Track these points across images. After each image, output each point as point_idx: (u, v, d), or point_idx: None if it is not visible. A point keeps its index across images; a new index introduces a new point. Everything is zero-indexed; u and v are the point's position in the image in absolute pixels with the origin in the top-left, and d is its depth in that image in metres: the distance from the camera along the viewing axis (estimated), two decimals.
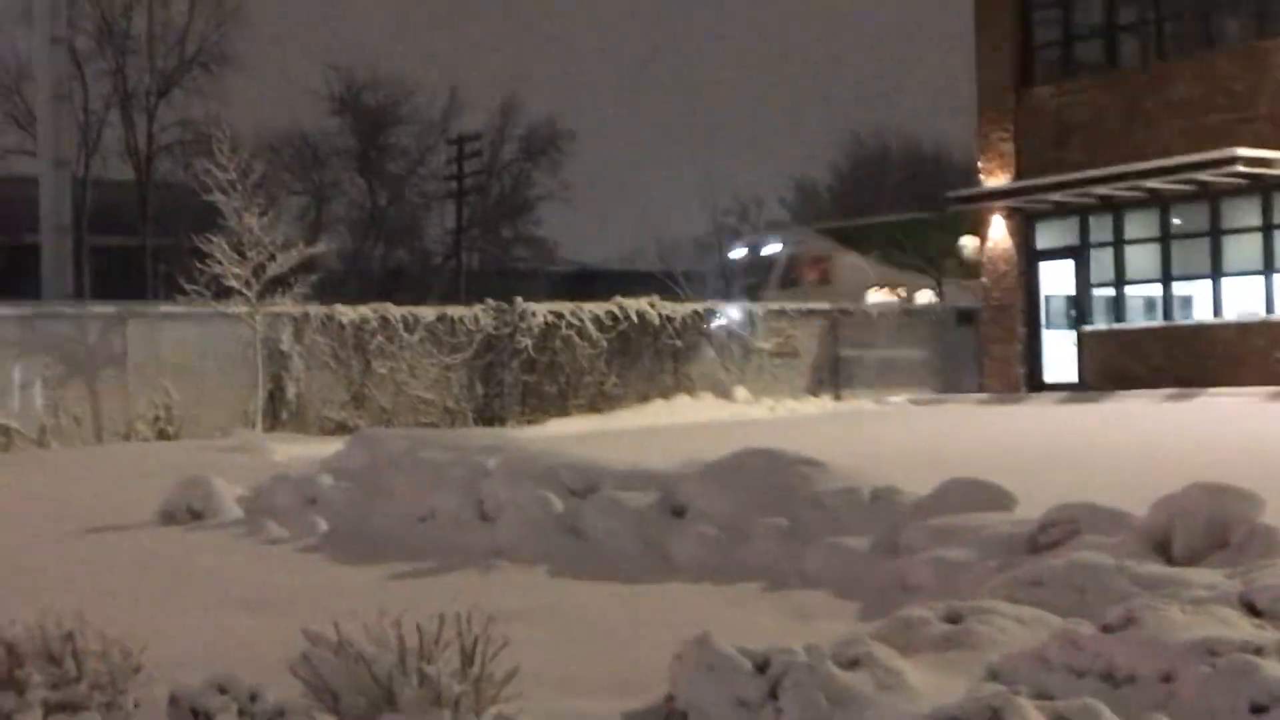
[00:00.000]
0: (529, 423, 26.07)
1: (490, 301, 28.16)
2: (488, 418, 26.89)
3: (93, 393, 23.84)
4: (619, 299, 28.75)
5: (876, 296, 42.33)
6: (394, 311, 27.00)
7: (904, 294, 43.05)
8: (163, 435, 23.83)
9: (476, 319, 27.42)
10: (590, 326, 27.96)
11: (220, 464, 17.23)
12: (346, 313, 26.63)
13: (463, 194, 59.36)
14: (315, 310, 26.23)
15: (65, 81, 35.93)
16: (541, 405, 27.16)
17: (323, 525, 12.51)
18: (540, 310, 27.80)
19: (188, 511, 13.31)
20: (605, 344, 28.06)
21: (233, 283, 24.24)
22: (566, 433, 22.25)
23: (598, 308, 28.38)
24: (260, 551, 11.76)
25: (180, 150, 50.63)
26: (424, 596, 8.43)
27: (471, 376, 27.22)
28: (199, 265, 24.35)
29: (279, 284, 24.80)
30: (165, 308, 26.12)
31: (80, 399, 23.72)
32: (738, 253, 52.40)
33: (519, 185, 62.82)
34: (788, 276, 47.00)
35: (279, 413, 25.34)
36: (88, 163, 48.99)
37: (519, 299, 27.97)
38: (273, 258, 24.48)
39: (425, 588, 9.58)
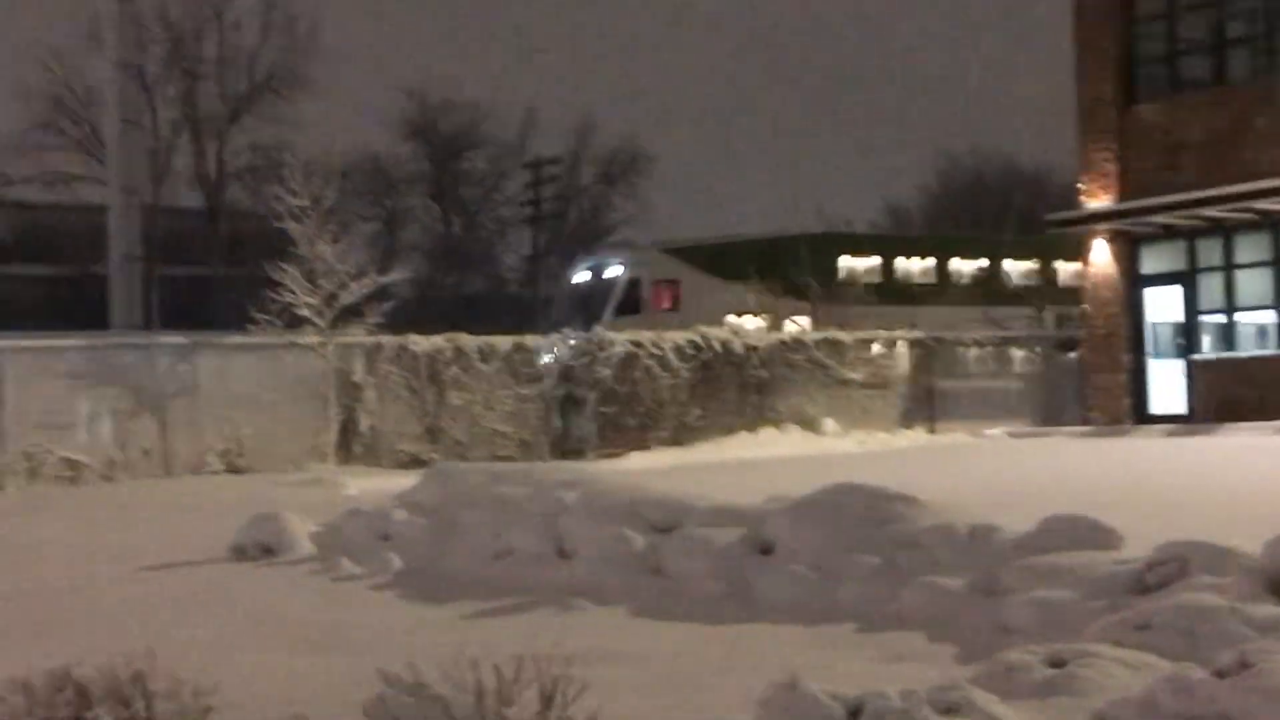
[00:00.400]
0: (608, 456, 25.33)
1: (568, 330, 27.50)
2: (565, 451, 26.19)
3: (162, 425, 23.46)
4: (701, 328, 28.06)
5: (743, 323, 37.95)
6: (469, 341, 26.43)
7: (772, 321, 38.39)
8: (233, 469, 23.36)
9: (554, 350, 26.74)
10: (671, 356, 27.26)
11: (292, 498, 16.91)
12: (420, 343, 26.11)
13: (540, 219, 59.00)
14: (388, 340, 25.78)
15: (134, 107, 35.72)
16: (621, 438, 26.42)
17: (397, 562, 12.15)
18: (620, 339, 27.11)
19: (259, 547, 12.95)
20: (687, 374, 27.35)
21: (304, 312, 23.83)
22: (647, 466, 21.76)
23: (679, 336, 27.74)
24: (333, 589, 11.45)
25: (250, 176, 50.56)
26: (501, 636, 8.19)
27: (548, 408, 26.56)
28: (270, 294, 23.91)
29: (351, 313, 24.36)
30: (236, 338, 25.70)
31: (149, 432, 23.37)
32: (580, 276, 46.82)
33: (598, 209, 62.45)
34: (628, 301, 43.04)
35: (351, 445, 24.88)
36: (157, 190, 48.94)
37: (597, 327, 27.33)
38: (345, 286, 24.06)
39: (502, 627, 9.40)
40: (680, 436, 26.96)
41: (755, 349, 28.17)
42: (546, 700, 5.44)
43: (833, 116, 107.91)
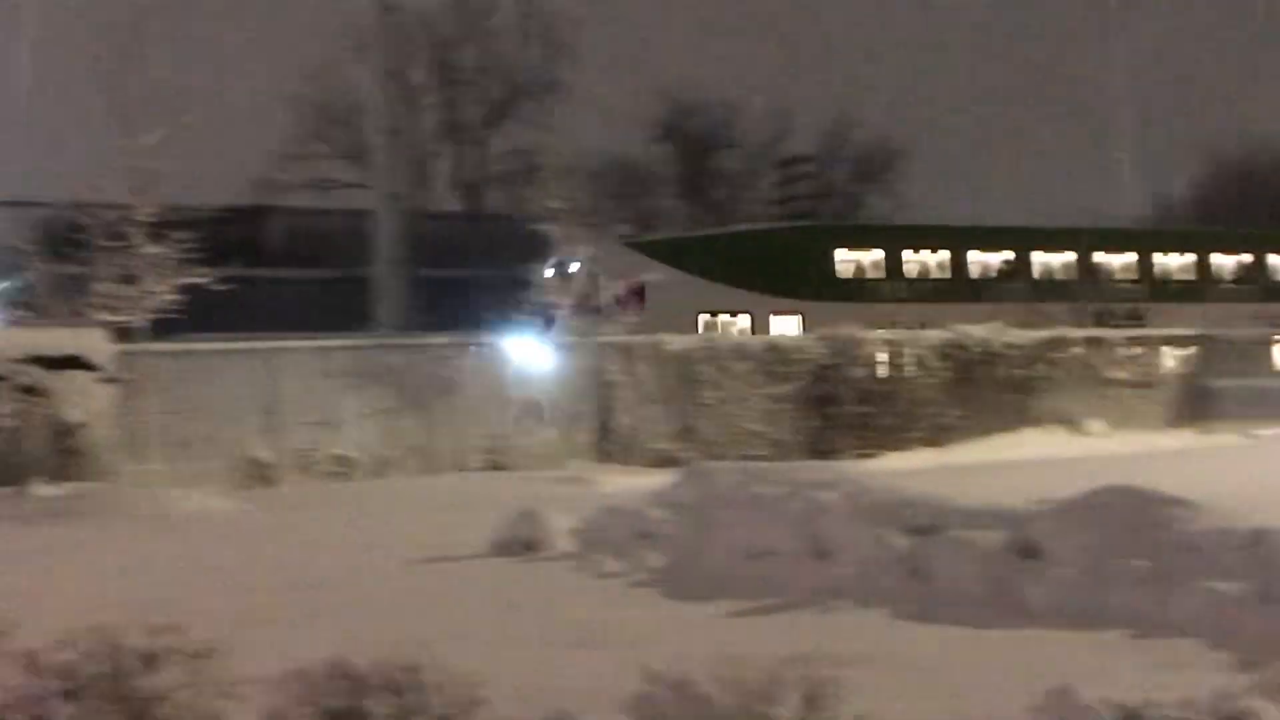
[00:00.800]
0: (863, 456, 24.93)
1: (821, 330, 27.24)
2: (819, 451, 25.87)
3: (426, 424, 23.97)
4: (959, 326, 27.46)
5: (717, 323, 35.24)
6: (722, 341, 26.38)
7: (749, 321, 35.13)
8: (494, 466, 23.73)
9: (808, 349, 26.51)
10: (928, 355, 26.73)
11: (550, 495, 17.09)
12: (674, 342, 26.17)
13: (792, 218, 58.61)
14: (642, 340, 25.91)
15: (398, 116, 36.74)
16: (876, 438, 25.98)
17: (655, 559, 12.20)
18: (875, 338, 26.70)
19: (521, 543, 13.14)
20: (944, 373, 26.78)
21: (561, 312, 24.15)
22: (903, 467, 21.30)
23: (935, 335, 27.19)
24: (593, 585, 11.57)
25: (509, 180, 51.55)
26: (760, 636, 8.34)
27: (802, 408, 26.31)
28: (527, 296, 24.33)
29: (605, 313, 24.61)
30: (494, 339, 26.15)
31: (414, 430, 23.89)
32: (547, 272, 45.09)
33: (852, 207, 61.86)
34: (583, 300, 41.38)
35: (606, 444, 25.03)
36: (419, 195, 50.28)
37: (851, 327, 26.98)
38: (598, 287, 24.32)
39: (761, 627, 9.41)
40: (937, 437, 26.37)
41: (1015, 347, 27.45)
42: (811, 701, 5.38)
43: (1096, 106, 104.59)
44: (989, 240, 46.58)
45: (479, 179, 51.74)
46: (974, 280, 44.67)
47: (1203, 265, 47.02)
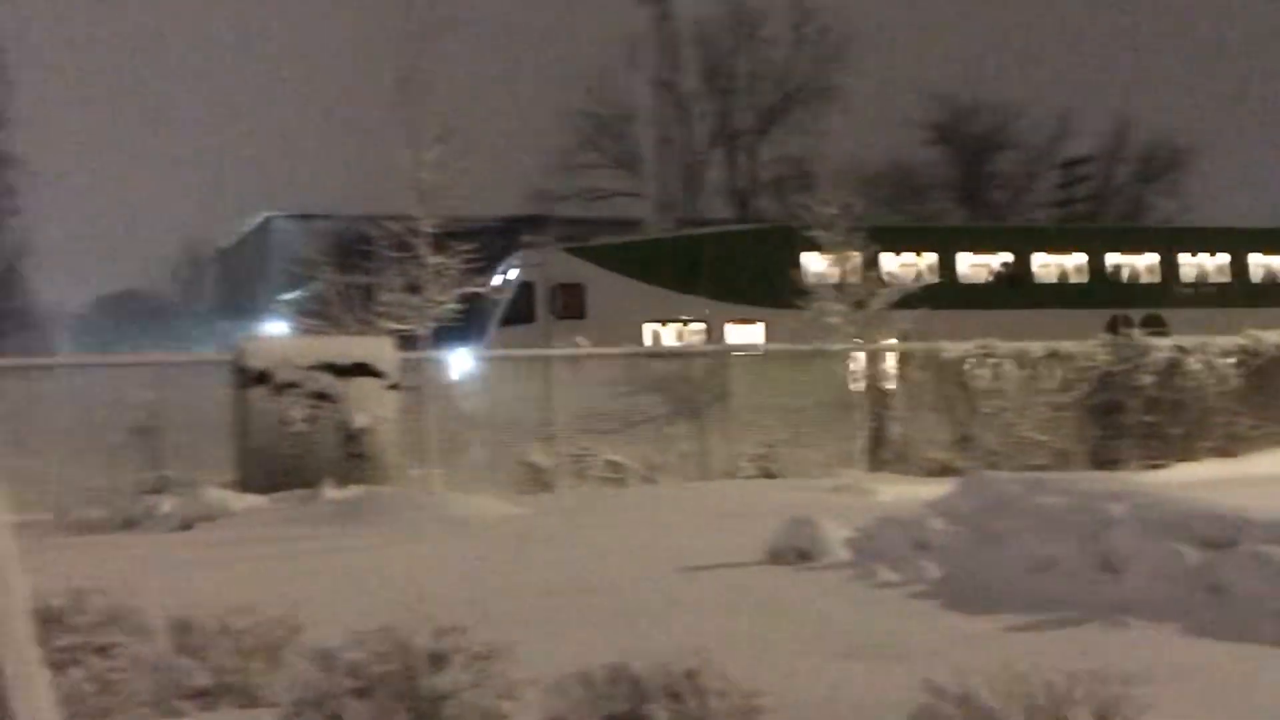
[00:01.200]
0: (1150, 467, 24.07)
1: (1107, 335, 26.42)
2: (1103, 461, 25.07)
3: (697, 430, 24.10)
4: (1252, 331, 26.29)
5: (666, 333, 32.13)
6: (1000, 347, 25.79)
7: (706, 331, 31.59)
8: (765, 473, 23.71)
9: (1093, 355, 25.70)
10: (1219, 361, 25.64)
11: (823, 504, 16.90)
12: (949, 348, 25.70)
13: (1072, 220, 57.13)
14: (916, 346, 25.54)
15: (670, 124, 37.08)
16: (1163, 448, 25.05)
17: (934, 570, 11.92)
18: (1163, 344, 25.77)
19: (795, 552, 13.00)
20: (1237, 380, 25.66)
21: (833, 319, 24.03)
22: (1193, 479, 20.39)
23: (1227, 341, 26.09)
24: (869, 596, 11.37)
25: (778, 187, 51.50)
26: (1045, 651, 7.98)
27: (1086, 416, 25.52)
28: (798, 304, 24.29)
29: (877, 320, 24.39)
30: (768, 346, 26.16)
31: (685, 436, 24.04)
32: (496, 280, 39.66)
33: (1135, 208, 59.92)
34: (519, 310, 36.78)
35: (880, 452, 24.74)
36: (690, 203, 50.64)
37: (1135, 332, 26.09)
38: (872, 294, 24.14)
39: (1045, 641, 9.10)
40: (1230, 447, 25.30)
41: None
42: (1102, 718, 5.22)
43: None
44: (982, 241, 43.33)
45: (750, 186, 51.81)
46: (966, 285, 41.68)
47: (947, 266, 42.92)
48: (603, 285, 36.63)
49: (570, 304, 36.81)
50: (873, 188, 52.89)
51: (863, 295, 24.33)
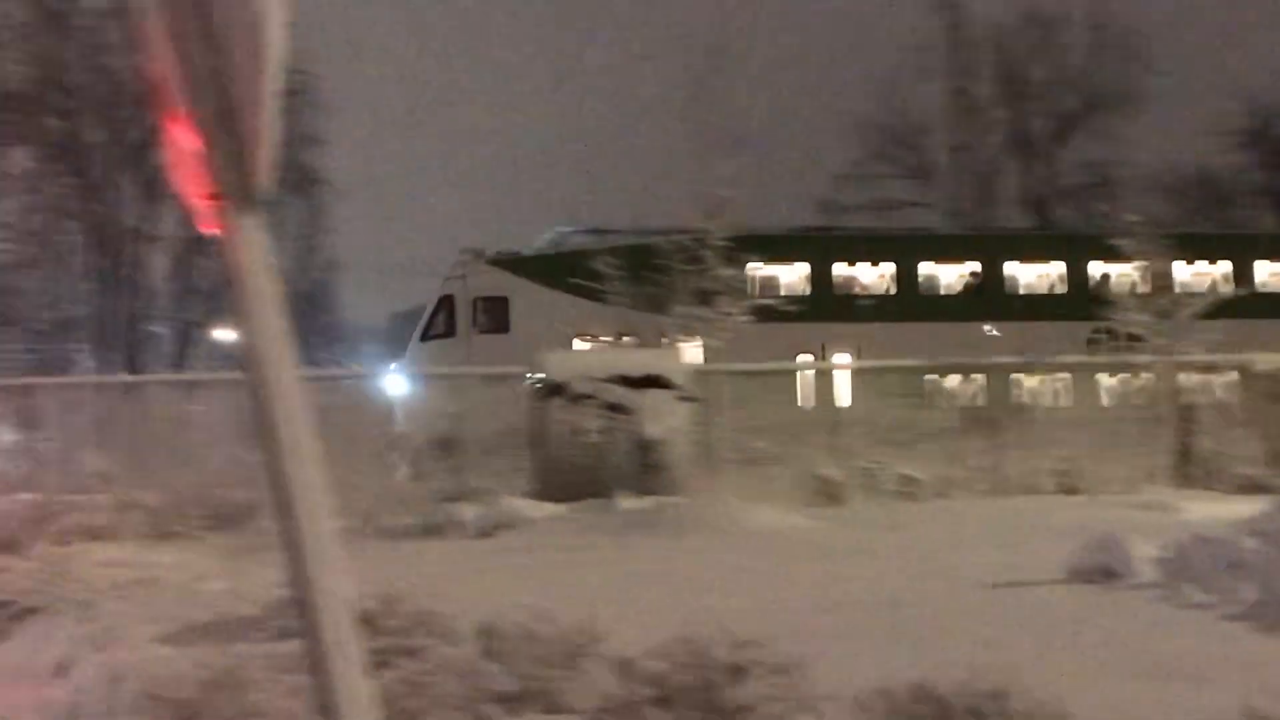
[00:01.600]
0: None
1: None
2: None
3: (994, 444, 23.63)
4: None
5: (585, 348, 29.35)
6: None
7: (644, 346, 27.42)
8: (1065, 489, 23.06)
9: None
10: None
11: (1128, 521, 16.29)
12: (1261, 360, 24.56)
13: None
14: (1225, 359, 24.49)
15: (963, 132, 36.56)
16: None
17: (1247, 592, 11.25)
18: None
19: (1099, 570, 12.58)
20: None
21: (1138, 330, 23.30)
22: None
23: None
24: (1179, 616, 10.89)
25: (1077, 194, 50.13)
26: None
27: None
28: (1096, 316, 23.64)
29: (1184, 331, 23.56)
30: (1067, 358, 25.55)
31: (980, 451, 23.59)
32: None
33: None
34: (440, 324, 34.72)
35: (1187, 468, 23.81)
36: (983, 212, 49.67)
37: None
38: (1180, 303, 23.31)
39: None
40: None
41: None
42: None
43: None
44: (944, 250, 39.39)
45: (1047, 193, 50.50)
46: (924, 297, 37.86)
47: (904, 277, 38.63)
48: (529, 298, 35.20)
49: (492, 318, 35.75)
50: (1179, 195, 51.06)
51: (1168, 306, 23.44)
